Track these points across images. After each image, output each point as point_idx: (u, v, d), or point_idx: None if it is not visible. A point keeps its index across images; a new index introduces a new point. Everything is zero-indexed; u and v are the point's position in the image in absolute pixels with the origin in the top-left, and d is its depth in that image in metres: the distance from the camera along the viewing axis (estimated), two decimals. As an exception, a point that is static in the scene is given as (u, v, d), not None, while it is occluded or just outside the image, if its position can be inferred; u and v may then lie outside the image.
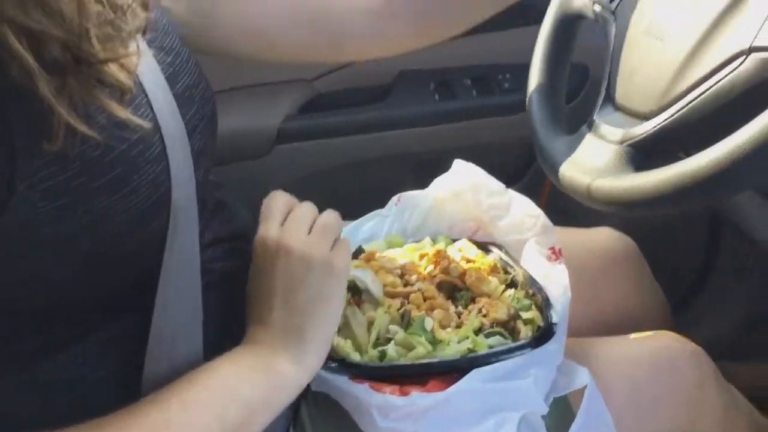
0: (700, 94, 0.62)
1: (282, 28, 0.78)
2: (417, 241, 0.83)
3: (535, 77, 0.86)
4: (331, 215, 0.64)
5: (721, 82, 0.61)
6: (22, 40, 0.45)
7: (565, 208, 0.86)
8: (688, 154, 0.60)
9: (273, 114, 1.19)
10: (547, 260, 0.77)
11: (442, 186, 0.85)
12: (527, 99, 0.85)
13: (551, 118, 0.81)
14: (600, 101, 0.75)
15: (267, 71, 1.17)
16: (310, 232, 0.62)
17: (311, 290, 0.59)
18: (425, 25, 0.84)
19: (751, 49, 0.59)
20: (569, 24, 0.87)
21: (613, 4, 0.79)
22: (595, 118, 0.73)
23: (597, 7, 0.81)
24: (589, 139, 0.73)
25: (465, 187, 0.83)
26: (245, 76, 1.16)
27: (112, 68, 0.50)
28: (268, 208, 0.63)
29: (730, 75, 0.60)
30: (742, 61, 0.60)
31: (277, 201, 0.64)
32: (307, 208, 0.64)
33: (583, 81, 1.23)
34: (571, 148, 0.74)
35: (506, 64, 1.26)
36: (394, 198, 0.86)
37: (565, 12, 0.87)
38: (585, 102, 1.21)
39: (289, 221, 0.62)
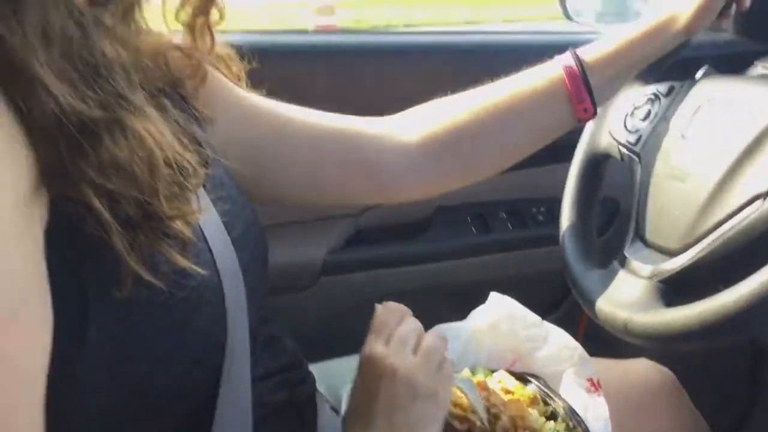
0: (723, 235, 0.66)
1: (329, 176, 0.82)
2: (456, 373, 0.85)
3: (566, 214, 0.91)
4: (436, 339, 0.65)
5: (742, 224, 0.64)
6: (101, 200, 0.49)
7: (603, 338, 0.88)
8: (716, 291, 0.63)
9: (318, 247, 1.24)
10: (586, 392, 0.78)
11: (479, 318, 0.88)
12: (560, 235, 0.89)
13: (584, 254, 0.85)
14: (629, 237, 0.79)
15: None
16: (415, 350, 0.63)
17: (413, 415, 0.60)
18: (464, 167, 0.87)
19: None
20: (597, 163, 0.92)
21: (638, 147, 0.85)
22: (625, 253, 0.77)
23: (623, 149, 0.87)
24: (621, 275, 0.76)
25: (501, 319, 0.86)
26: (293, 211, 1.21)
27: (178, 223, 0.54)
28: (378, 322, 0.65)
29: (750, 217, 0.64)
30: (761, 204, 0.63)
31: (387, 315, 0.65)
32: (413, 327, 0.65)
33: (614, 214, 1.27)
34: (605, 284, 0.77)
35: (540, 198, 1.31)
36: (433, 329, 0.89)
37: (593, 152, 0.92)
38: (616, 235, 1.24)
39: (395, 340, 0.63)
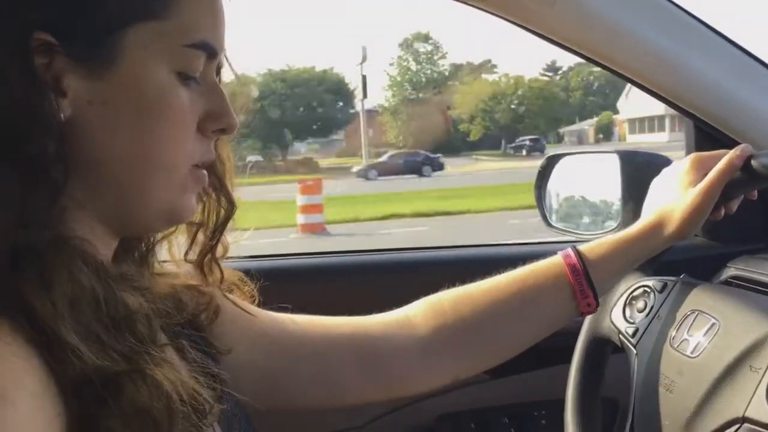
0: None
1: (344, 378, 0.84)
2: None
3: (570, 413, 0.93)
4: None
5: None
6: None
7: None
8: None
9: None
10: None
11: None
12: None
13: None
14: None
15: (320, 421, 1.23)
16: None
17: None
18: (471, 359, 0.88)
19: (744, 419, 0.67)
20: (599, 348, 0.96)
21: (635, 340, 0.89)
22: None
23: (622, 338, 0.91)
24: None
25: None
26: (297, 429, 1.22)
27: None
28: None
29: None
30: (737, 429, 0.67)
31: None
32: None
33: (614, 414, 1.28)
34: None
35: (540, 401, 1.32)
36: None
37: (594, 336, 0.96)
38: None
39: None
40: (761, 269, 0.94)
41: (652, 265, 0.96)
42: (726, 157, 0.86)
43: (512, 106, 50.89)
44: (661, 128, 47.14)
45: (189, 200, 0.65)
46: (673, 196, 0.88)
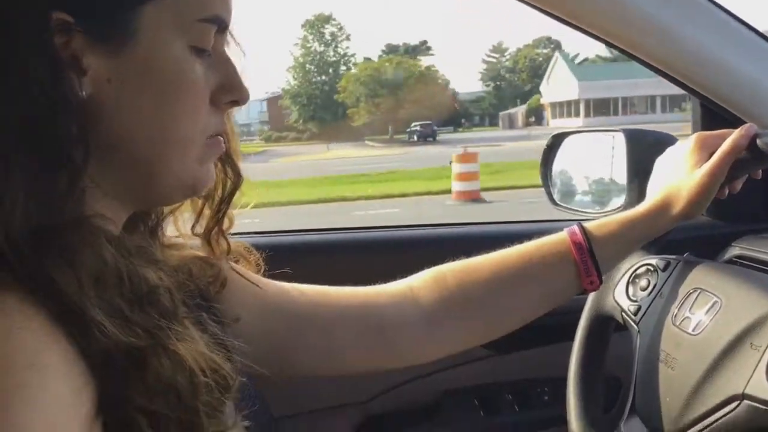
0: (704, 429, 0.70)
1: (349, 345, 0.84)
2: None
3: (572, 390, 0.94)
4: None
5: (719, 422, 0.69)
6: (149, 423, 0.51)
7: None
8: None
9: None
10: None
11: None
12: (567, 402, 0.91)
13: (588, 429, 0.88)
14: (626, 413, 0.82)
15: (325, 395, 1.26)
16: None
17: None
18: (475, 330, 0.89)
19: (744, 396, 0.67)
20: (602, 325, 0.96)
21: (637, 318, 0.90)
22: (623, 429, 0.80)
23: (624, 315, 0.92)
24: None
25: None
26: (304, 401, 1.24)
27: None
28: None
29: (726, 417, 0.68)
30: (736, 406, 0.68)
31: None
32: None
33: (617, 391, 1.30)
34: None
35: (543, 378, 1.34)
36: None
37: (597, 313, 0.97)
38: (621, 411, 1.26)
39: None
40: (766, 248, 0.94)
41: (656, 244, 0.96)
42: (731, 137, 0.86)
43: (398, 92, 50.48)
44: (577, 113, 47.00)
45: (207, 170, 0.66)
46: (679, 176, 0.88)
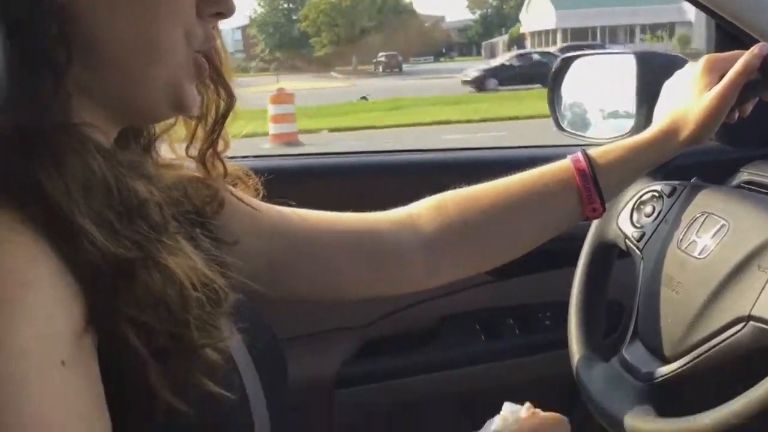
0: (707, 351, 0.70)
1: (348, 271, 0.84)
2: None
3: (574, 314, 0.94)
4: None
5: (724, 344, 0.68)
6: (138, 335, 0.51)
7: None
8: (700, 404, 0.66)
9: (331, 361, 1.26)
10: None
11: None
12: (568, 328, 0.91)
13: (589, 350, 0.88)
14: (629, 337, 0.82)
15: (324, 319, 1.26)
16: None
17: None
18: (476, 257, 0.88)
19: (750, 317, 0.67)
20: (605, 253, 0.96)
21: (641, 244, 0.89)
22: (624, 353, 0.80)
23: (628, 242, 0.91)
24: (619, 374, 0.79)
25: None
26: (303, 325, 1.25)
27: (208, 351, 0.55)
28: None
29: (731, 339, 0.68)
30: (742, 327, 0.67)
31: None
32: None
33: (619, 316, 1.30)
34: (605, 382, 0.80)
35: (545, 302, 1.34)
36: None
37: (601, 240, 0.96)
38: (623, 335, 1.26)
39: None
40: (776, 174, 0.92)
41: (663, 170, 0.94)
42: (743, 58, 0.83)
43: (358, 21, 49.37)
44: (554, 42, 46.39)
45: (191, 89, 0.64)
46: (687, 100, 0.86)
